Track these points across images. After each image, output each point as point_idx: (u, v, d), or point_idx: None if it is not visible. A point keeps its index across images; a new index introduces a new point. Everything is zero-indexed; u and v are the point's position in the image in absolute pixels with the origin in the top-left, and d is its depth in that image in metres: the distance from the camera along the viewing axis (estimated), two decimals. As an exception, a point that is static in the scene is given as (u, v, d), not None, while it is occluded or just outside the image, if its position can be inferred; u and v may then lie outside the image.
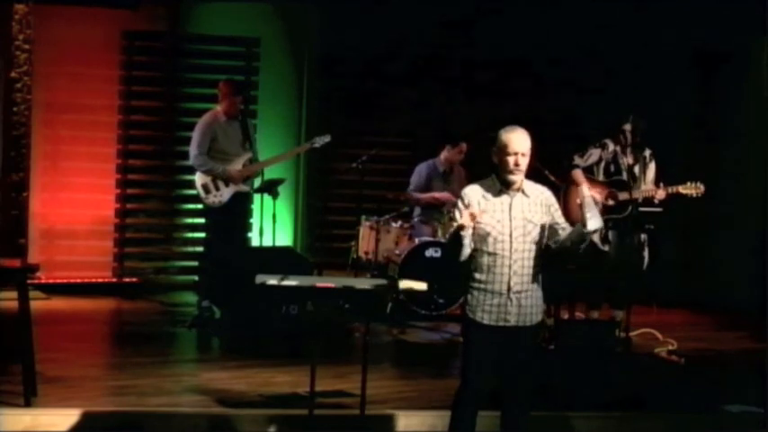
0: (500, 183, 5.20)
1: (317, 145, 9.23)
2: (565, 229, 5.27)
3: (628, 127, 8.63)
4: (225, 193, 8.85)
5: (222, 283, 8.92)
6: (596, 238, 8.56)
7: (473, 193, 5.23)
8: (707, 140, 11.08)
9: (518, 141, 5.15)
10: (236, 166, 8.88)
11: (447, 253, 5.43)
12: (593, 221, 5.16)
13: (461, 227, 5.04)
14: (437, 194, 9.72)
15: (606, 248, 8.63)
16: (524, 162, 5.16)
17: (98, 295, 10.17)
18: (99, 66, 10.52)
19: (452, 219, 5.17)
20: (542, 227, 5.23)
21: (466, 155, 9.85)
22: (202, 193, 8.87)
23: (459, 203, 5.18)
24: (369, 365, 5.65)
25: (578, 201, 5.24)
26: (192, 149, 8.88)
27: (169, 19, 10.70)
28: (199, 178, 8.89)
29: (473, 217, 5.02)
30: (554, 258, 5.37)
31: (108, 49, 10.54)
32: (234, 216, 8.95)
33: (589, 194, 5.27)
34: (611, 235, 8.64)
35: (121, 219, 10.74)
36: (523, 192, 5.22)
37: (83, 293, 10.15)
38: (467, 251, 5.15)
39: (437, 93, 11.27)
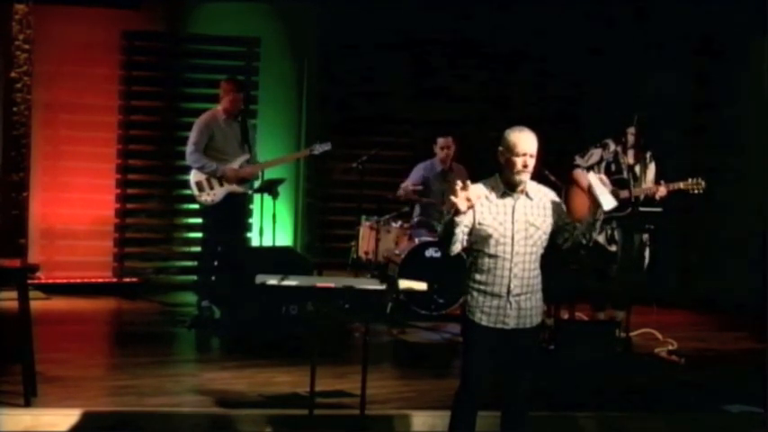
0: (504, 184, 5.16)
1: (316, 152, 9.24)
2: (575, 226, 5.23)
3: (631, 130, 8.65)
4: (218, 193, 8.86)
5: (222, 282, 8.93)
6: (602, 238, 8.58)
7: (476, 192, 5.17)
8: (707, 141, 11.08)
9: (527, 142, 5.09)
10: (233, 165, 8.89)
11: (439, 243, 5.35)
12: (606, 200, 5.14)
13: (457, 211, 4.94)
14: (424, 200, 9.77)
15: (614, 249, 8.64)
16: (532, 163, 5.11)
17: (98, 295, 10.17)
18: (99, 66, 10.52)
19: (449, 212, 5.09)
20: (549, 229, 5.21)
21: (460, 151, 9.87)
22: (196, 191, 8.88)
23: (452, 198, 5.02)
24: (369, 365, 5.64)
25: (587, 185, 5.21)
26: (188, 146, 8.90)
27: (169, 19, 10.70)
28: (193, 176, 8.91)
29: (469, 201, 4.92)
30: (562, 258, 5.35)
31: (108, 49, 10.55)
32: (227, 216, 8.95)
33: (596, 177, 5.25)
34: (616, 235, 8.66)
35: (121, 219, 10.74)
36: (527, 194, 5.17)
37: (83, 293, 10.15)
38: (458, 246, 5.09)
39: (437, 93, 11.27)
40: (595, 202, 5.16)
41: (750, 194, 10.37)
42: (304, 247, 11.17)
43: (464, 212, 4.96)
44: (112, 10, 10.29)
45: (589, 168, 8.58)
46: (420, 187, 9.87)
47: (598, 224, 5.19)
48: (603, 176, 5.16)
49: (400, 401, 6.71)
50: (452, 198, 4.92)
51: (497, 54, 11.21)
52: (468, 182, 4.97)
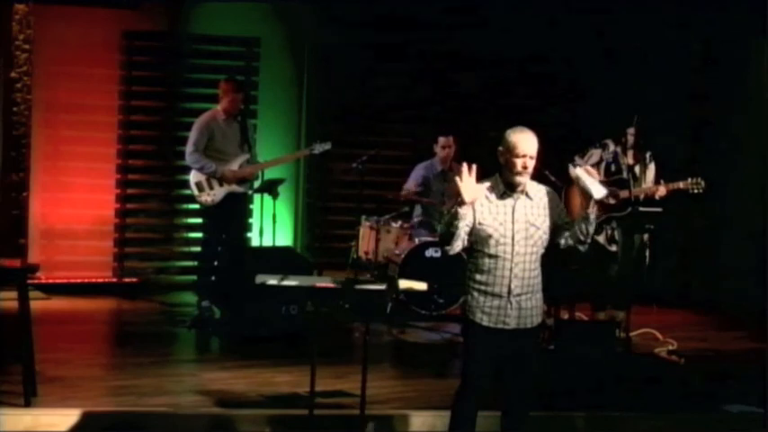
0: (504, 184, 5.16)
1: (316, 152, 9.24)
2: (573, 224, 5.23)
3: (631, 130, 8.65)
4: (218, 193, 8.86)
5: (222, 282, 8.93)
6: (602, 238, 8.58)
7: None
8: (707, 141, 11.07)
9: (527, 143, 5.08)
10: (233, 166, 8.89)
11: (440, 243, 5.34)
12: (597, 189, 5.11)
13: (461, 202, 4.92)
14: (425, 201, 9.78)
15: (614, 248, 8.63)
16: (532, 165, 5.10)
17: (98, 295, 10.17)
18: (99, 66, 10.52)
19: (449, 212, 5.08)
20: (549, 229, 5.20)
21: (460, 151, 9.87)
22: (195, 192, 8.89)
23: (457, 180, 5.00)
24: (369, 365, 5.64)
25: (573, 177, 5.19)
26: (188, 146, 8.90)
27: (169, 19, 10.70)
28: (193, 176, 8.91)
29: (474, 192, 4.92)
30: (562, 258, 5.33)
31: (108, 49, 10.55)
32: (227, 216, 8.96)
33: (582, 169, 5.21)
34: (616, 235, 8.65)
35: (121, 219, 10.73)
36: (527, 194, 5.17)
37: (83, 293, 10.14)
38: (459, 244, 5.08)
39: (437, 93, 11.26)
40: (585, 194, 5.14)
41: (750, 194, 10.37)
42: (304, 247, 11.17)
43: (468, 203, 4.95)
44: (112, 10, 10.29)
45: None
46: (421, 188, 9.87)
47: (592, 216, 5.16)
48: (589, 167, 5.14)
49: (400, 401, 6.71)
50: (458, 181, 4.91)
51: (497, 54, 11.19)
52: (475, 166, 4.96)
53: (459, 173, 4.96)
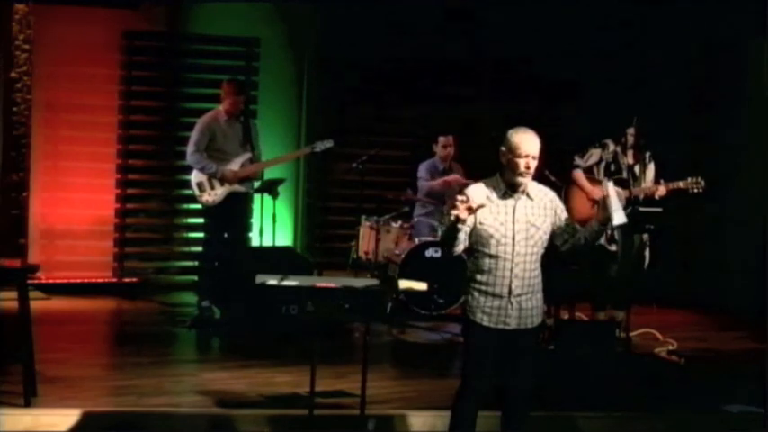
0: (505, 184, 5.16)
1: (317, 150, 9.21)
2: (575, 229, 5.24)
3: (631, 130, 8.65)
4: (219, 193, 8.86)
5: (222, 282, 8.93)
6: (602, 239, 8.58)
7: (476, 192, 5.16)
8: (707, 141, 11.07)
9: (530, 144, 5.07)
10: (234, 166, 8.88)
11: (441, 245, 5.37)
12: (618, 216, 5.12)
13: (458, 219, 4.93)
14: (448, 178, 9.73)
15: (614, 248, 8.64)
16: (534, 165, 5.09)
17: (98, 295, 10.17)
18: (99, 66, 10.52)
19: (449, 213, 5.09)
20: (549, 230, 5.20)
21: (459, 151, 9.88)
22: (197, 192, 8.89)
23: (459, 198, 5.03)
24: (369, 365, 5.65)
25: (603, 195, 5.19)
26: (189, 147, 8.90)
27: (169, 19, 10.70)
28: (194, 176, 8.91)
29: (470, 210, 4.92)
30: (562, 258, 5.35)
31: (108, 49, 10.55)
32: (229, 216, 8.95)
33: (613, 189, 5.21)
34: (616, 234, 8.65)
35: (121, 219, 10.74)
36: (528, 194, 5.16)
37: (83, 293, 10.15)
38: (460, 247, 5.10)
39: (437, 92, 11.26)
40: (607, 214, 5.13)
41: (750, 194, 10.37)
42: (304, 247, 11.17)
43: (464, 221, 4.96)
44: (112, 10, 10.29)
45: (588, 169, 8.58)
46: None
47: (602, 234, 5.19)
48: (620, 190, 5.11)
49: (400, 401, 6.71)
50: (453, 212, 4.92)
51: (497, 54, 11.20)
52: (469, 191, 4.95)
53: (459, 172, 4.98)
